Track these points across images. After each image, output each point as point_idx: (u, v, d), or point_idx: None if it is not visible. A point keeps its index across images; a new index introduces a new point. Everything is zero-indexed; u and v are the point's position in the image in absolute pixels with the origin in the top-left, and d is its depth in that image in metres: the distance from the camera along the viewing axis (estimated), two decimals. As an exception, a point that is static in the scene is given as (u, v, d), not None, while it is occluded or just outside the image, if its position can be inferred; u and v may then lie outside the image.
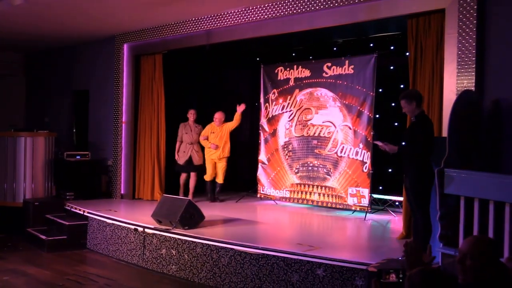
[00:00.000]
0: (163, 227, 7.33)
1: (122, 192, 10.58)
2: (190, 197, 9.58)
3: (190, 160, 10.08)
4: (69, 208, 9.41)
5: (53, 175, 10.54)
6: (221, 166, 10.10)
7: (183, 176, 10.21)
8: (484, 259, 2.58)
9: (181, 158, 10.11)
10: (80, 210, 8.94)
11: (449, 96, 6.28)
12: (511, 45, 5.90)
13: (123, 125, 10.58)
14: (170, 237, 7.06)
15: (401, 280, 2.44)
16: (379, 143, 6.17)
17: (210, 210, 8.37)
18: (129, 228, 7.65)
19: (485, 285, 2.51)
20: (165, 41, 9.93)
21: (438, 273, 2.26)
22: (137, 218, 8.00)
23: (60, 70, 12.67)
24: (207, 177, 10.17)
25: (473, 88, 6.10)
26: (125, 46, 10.57)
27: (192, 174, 10.16)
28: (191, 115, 10.22)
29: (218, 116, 10.09)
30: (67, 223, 8.67)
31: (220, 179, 10.18)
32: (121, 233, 7.77)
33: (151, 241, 7.29)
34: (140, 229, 7.45)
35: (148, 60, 10.45)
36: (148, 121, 10.42)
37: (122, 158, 10.59)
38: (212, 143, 9.95)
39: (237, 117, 10.02)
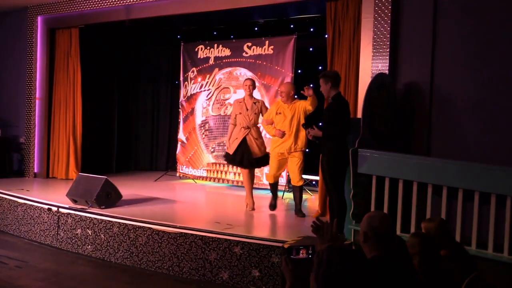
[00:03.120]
0: (79, 206, 7.15)
1: (35, 170, 10.19)
2: (250, 205, 7.40)
3: (245, 149, 7.32)
4: (-23, 187, 8.96)
5: (-41, 152, 9.98)
6: (295, 163, 7.02)
7: (244, 173, 7.53)
8: (381, 235, 2.74)
9: (231, 146, 7.46)
10: (-11, 189, 8.54)
11: (365, 78, 6.49)
12: (422, 31, 6.16)
13: (37, 101, 10.15)
14: (85, 216, 6.90)
15: (310, 256, 2.52)
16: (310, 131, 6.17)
17: (128, 190, 8.23)
18: (42, 208, 7.40)
19: (387, 258, 2.66)
20: (82, 14, 9.57)
21: (346, 249, 2.36)
22: (51, 197, 7.75)
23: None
24: (269, 178, 7.30)
25: (387, 71, 6.33)
26: (39, 19, 10.09)
27: (245, 172, 7.48)
28: (246, 86, 7.49)
29: (285, 88, 7.11)
30: (-25, 203, 8.26)
31: (296, 180, 7.08)
32: (34, 213, 7.50)
33: (65, 221, 7.09)
34: (54, 208, 7.23)
35: (64, 34, 10.05)
36: (63, 98, 10.06)
37: (35, 135, 10.18)
38: (278, 130, 7.02)
39: (313, 97, 6.77)
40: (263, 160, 7.43)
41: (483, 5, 5.88)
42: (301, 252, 2.56)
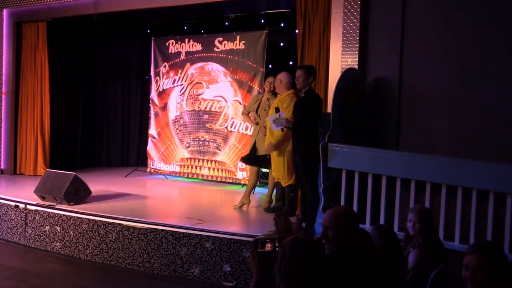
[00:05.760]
0: (47, 203, 7.05)
1: (2, 167, 9.99)
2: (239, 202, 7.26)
3: (253, 146, 7.31)
4: None
5: None
6: (276, 160, 6.77)
7: (252, 173, 7.48)
8: (343, 229, 2.78)
9: None
10: (-46, 186, 8.36)
11: (335, 73, 6.53)
12: (391, 26, 6.22)
13: (3, 96, 9.94)
14: (54, 213, 6.80)
15: (276, 249, 2.54)
16: (282, 114, 6.20)
17: (97, 185, 8.14)
18: (9, 205, 7.27)
19: (349, 251, 2.71)
20: (49, 8, 9.40)
21: (310, 242, 2.39)
22: (18, 194, 7.62)
23: None
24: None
25: (356, 66, 6.38)
26: (5, 12, 9.88)
27: (253, 171, 7.43)
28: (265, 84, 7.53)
29: (278, 77, 6.85)
30: None
31: (282, 181, 6.81)
32: (1, 211, 7.36)
33: (33, 218, 6.98)
34: (22, 205, 7.11)
35: (31, 28, 9.86)
36: (30, 93, 9.88)
37: (2, 131, 9.96)
38: (263, 126, 7.05)
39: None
40: (266, 158, 7.07)
41: (452, 1, 5.96)
42: (267, 245, 2.57)
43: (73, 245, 6.60)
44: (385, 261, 3.29)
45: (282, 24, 9.14)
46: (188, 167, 9.67)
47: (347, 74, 6.08)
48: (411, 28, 6.12)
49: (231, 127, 9.11)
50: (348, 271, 2.61)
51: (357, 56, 6.40)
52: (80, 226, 6.56)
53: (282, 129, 6.25)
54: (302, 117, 6.00)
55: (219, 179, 9.27)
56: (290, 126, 6.09)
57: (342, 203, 5.64)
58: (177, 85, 9.82)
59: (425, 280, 3.35)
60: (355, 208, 5.61)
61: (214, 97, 9.36)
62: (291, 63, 8.73)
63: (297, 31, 7.24)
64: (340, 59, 6.53)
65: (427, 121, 6.02)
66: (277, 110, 6.23)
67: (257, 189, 8.62)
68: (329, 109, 6.33)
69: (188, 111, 9.68)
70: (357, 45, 6.40)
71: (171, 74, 9.91)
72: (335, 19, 6.62)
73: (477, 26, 5.79)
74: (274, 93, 7.11)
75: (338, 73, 6.36)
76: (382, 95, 6.31)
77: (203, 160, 9.44)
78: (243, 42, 9.02)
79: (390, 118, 6.23)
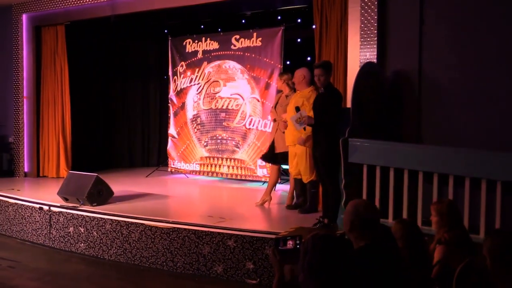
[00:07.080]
0: (70, 204, 7.12)
1: (25, 170, 10.13)
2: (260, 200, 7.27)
3: (272, 143, 7.34)
4: (-33, 189, 8.88)
5: None
6: (300, 155, 6.73)
7: (273, 170, 7.50)
8: (368, 222, 2.77)
9: None
10: (-21, 190, 8.47)
11: (353, 68, 6.49)
12: (409, 19, 6.16)
13: (25, 100, 10.07)
14: (77, 214, 6.87)
15: (298, 247, 2.54)
16: (304, 113, 6.17)
17: (119, 186, 8.20)
18: (33, 207, 7.36)
19: (375, 246, 2.69)
20: (67, 11, 9.50)
21: (331, 237, 2.38)
22: (42, 196, 7.72)
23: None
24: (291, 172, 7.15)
25: (375, 60, 6.33)
26: (24, 17, 10.01)
27: (274, 168, 7.45)
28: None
29: (300, 73, 6.74)
30: (-34, 204, 8.19)
31: (304, 176, 6.81)
32: (25, 213, 7.46)
33: (57, 219, 7.06)
34: (46, 207, 7.19)
35: (50, 32, 9.98)
36: (51, 96, 10.00)
37: (24, 134, 10.11)
38: (283, 122, 7.03)
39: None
40: (284, 155, 7.06)
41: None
42: (288, 242, 2.58)
43: (97, 245, 6.66)
44: (408, 255, 3.26)
45: (298, 20, 9.10)
46: (207, 165, 9.70)
47: (365, 68, 6.03)
48: (430, 20, 6.05)
49: (249, 124, 9.11)
50: (375, 264, 2.59)
51: (376, 50, 6.35)
52: (103, 227, 6.61)
53: (304, 128, 6.19)
54: (322, 112, 5.98)
55: (239, 177, 9.28)
56: (313, 122, 6.06)
57: (364, 198, 5.60)
58: (194, 84, 9.85)
59: (452, 275, 3.31)
60: (377, 202, 5.57)
61: (231, 95, 9.37)
62: (308, 59, 8.68)
63: (314, 26, 7.21)
64: (358, 53, 6.49)
65: (449, 114, 5.95)
66: (297, 109, 6.19)
67: (279, 186, 8.61)
68: (348, 104, 6.30)
69: (205, 109, 9.70)
70: (375, 39, 6.35)
71: (188, 73, 9.94)
72: (352, 13, 6.57)
73: (497, 16, 5.70)
74: (293, 90, 7.07)
75: (357, 68, 6.32)
76: (402, 89, 6.25)
77: (221, 158, 9.46)
78: (260, 39, 9.01)
79: (411, 112, 6.17)
